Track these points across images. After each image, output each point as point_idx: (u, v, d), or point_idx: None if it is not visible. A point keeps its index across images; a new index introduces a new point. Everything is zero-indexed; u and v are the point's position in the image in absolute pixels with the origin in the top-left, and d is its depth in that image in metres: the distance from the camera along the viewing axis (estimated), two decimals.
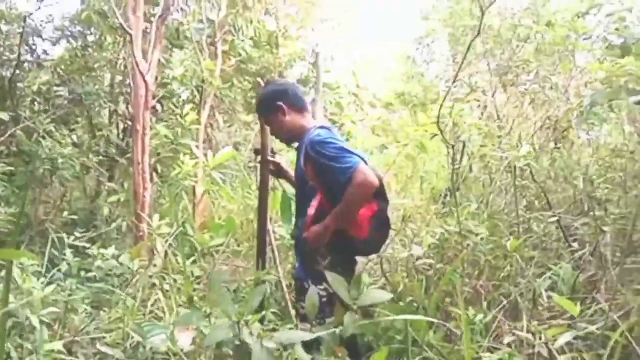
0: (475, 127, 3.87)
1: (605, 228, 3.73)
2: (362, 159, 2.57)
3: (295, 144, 2.94)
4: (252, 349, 1.80)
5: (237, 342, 1.84)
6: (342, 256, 2.65)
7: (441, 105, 3.01)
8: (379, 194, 2.65)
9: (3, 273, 3.29)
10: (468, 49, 2.95)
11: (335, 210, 2.58)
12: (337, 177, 2.52)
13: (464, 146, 3.76)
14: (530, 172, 4.28)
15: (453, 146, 3.44)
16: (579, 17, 4.79)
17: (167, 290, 3.62)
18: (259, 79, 6.89)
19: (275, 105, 2.78)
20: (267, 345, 1.82)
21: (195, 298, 3.62)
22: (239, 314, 1.88)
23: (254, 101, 7.25)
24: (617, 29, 4.25)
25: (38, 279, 3.24)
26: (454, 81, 3.29)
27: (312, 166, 2.65)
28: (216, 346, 1.91)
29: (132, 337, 3.04)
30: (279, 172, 3.26)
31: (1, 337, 1.70)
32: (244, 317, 1.88)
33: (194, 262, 4.41)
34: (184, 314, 2.31)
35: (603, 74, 4.27)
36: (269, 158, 3.21)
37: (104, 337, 3.31)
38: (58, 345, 2.72)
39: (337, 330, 2.02)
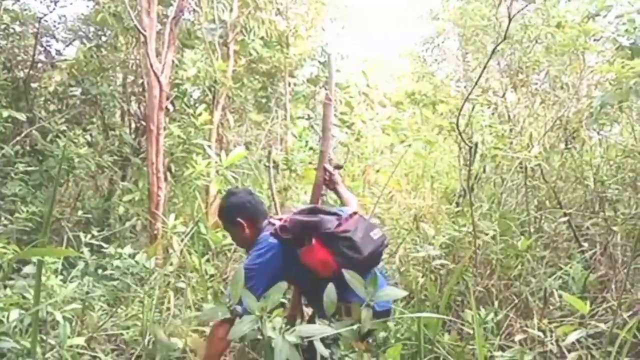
0: (489, 128, 3.91)
1: (615, 228, 3.76)
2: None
3: None
4: (275, 343, 1.87)
5: (259, 336, 1.90)
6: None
7: (461, 108, 3.06)
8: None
9: (23, 270, 3.39)
10: (491, 55, 3.00)
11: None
12: None
13: (476, 146, 3.80)
14: (541, 172, 4.31)
15: (471, 147, 3.49)
16: (589, 18, 4.81)
17: (183, 288, 3.68)
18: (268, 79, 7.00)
19: (235, 220, 2.85)
20: (289, 339, 1.88)
21: (209, 296, 3.70)
22: (261, 309, 1.94)
23: (264, 101, 7.32)
24: (627, 31, 4.28)
25: (56, 277, 3.30)
26: (473, 87, 3.32)
27: None
28: (239, 340, 1.97)
29: (151, 334, 3.11)
30: (332, 184, 3.32)
31: (34, 333, 1.78)
32: (266, 312, 1.94)
33: (208, 260, 4.48)
34: (208, 309, 2.34)
35: (613, 75, 4.31)
36: (329, 168, 3.26)
37: (121, 334, 3.38)
38: (80, 340, 2.78)
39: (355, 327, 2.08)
